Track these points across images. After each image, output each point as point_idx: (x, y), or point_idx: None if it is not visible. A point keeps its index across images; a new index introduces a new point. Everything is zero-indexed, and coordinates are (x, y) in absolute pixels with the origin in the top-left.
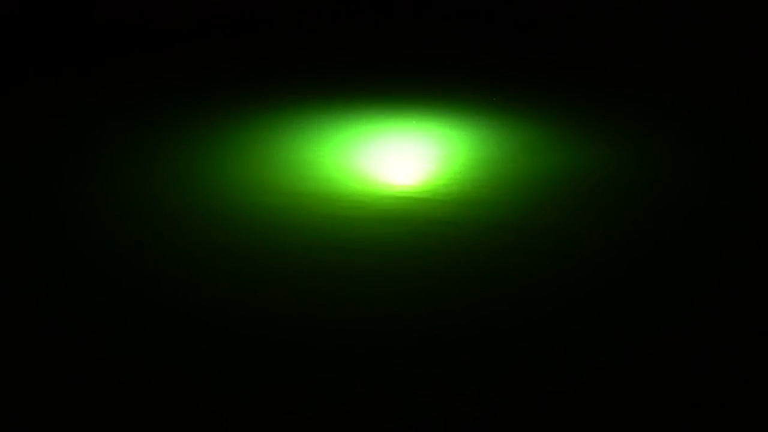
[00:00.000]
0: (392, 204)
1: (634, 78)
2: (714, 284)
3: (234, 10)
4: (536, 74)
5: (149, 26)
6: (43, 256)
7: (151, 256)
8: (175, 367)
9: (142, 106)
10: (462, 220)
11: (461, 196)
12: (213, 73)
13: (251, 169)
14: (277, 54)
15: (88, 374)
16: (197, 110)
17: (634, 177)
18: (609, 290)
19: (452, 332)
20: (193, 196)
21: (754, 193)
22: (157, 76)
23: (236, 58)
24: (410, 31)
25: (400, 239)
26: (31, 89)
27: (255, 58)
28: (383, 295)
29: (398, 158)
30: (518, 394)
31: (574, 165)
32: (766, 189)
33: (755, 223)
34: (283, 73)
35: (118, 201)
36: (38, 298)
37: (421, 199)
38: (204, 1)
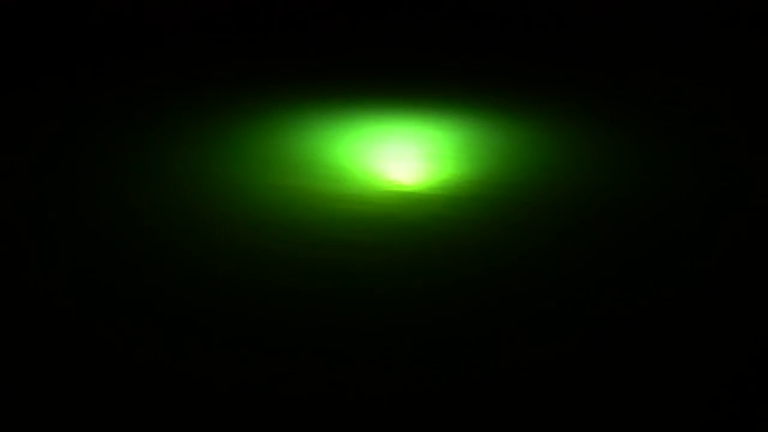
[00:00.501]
0: (397, 196)
1: (634, 83)
2: (673, 282)
3: (233, 10)
4: (533, 76)
5: (148, 24)
6: (59, 245)
7: (165, 244)
8: (196, 348)
9: (145, 104)
10: (456, 212)
11: (457, 190)
12: (212, 72)
13: (262, 163)
14: (275, 54)
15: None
16: (201, 108)
17: (615, 177)
18: (579, 276)
19: (449, 310)
20: (205, 187)
21: (732, 202)
22: (158, 75)
23: (234, 58)
24: (412, 33)
25: (407, 225)
26: (35, 88)
27: (253, 57)
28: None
29: (399, 156)
30: (508, 364)
31: (558, 164)
32: (744, 200)
33: (728, 228)
34: (283, 73)
35: (134, 191)
36: (54, 285)
37: (422, 192)
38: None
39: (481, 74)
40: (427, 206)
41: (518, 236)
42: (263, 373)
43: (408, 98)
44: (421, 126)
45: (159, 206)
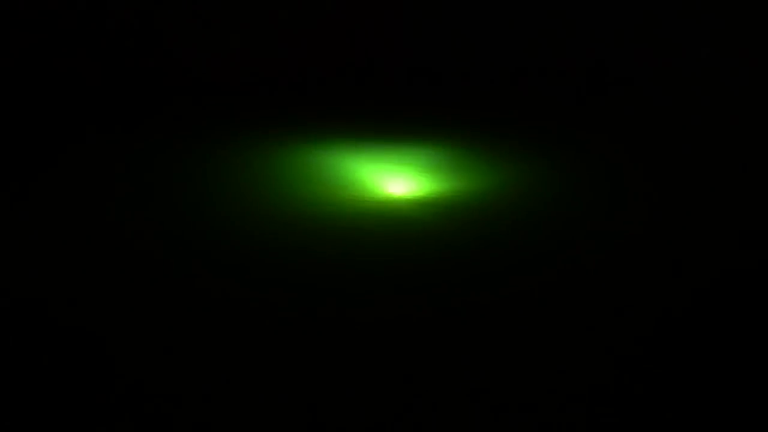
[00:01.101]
0: (393, 200)
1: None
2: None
3: (262, 66)
4: (509, 126)
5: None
6: (163, 231)
7: (229, 224)
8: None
9: (209, 138)
10: (433, 209)
11: (436, 198)
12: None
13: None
14: (305, 103)
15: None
16: (245, 140)
17: (542, 194)
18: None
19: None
20: (261, 185)
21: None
22: (222, 114)
23: (261, 110)
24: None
25: (402, 213)
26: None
27: (284, 107)
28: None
29: (395, 176)
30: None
31: (507, 182)
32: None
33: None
34: (319, 117)
35: (212, 193)
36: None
37: (411, 198)
38: (244, 55)
39: (463, 122)
40: (414, 206)
41: (479, 222)
42: (296, 304)
43: (403, 140)
44: (411, 157)
45: (229, 198)
